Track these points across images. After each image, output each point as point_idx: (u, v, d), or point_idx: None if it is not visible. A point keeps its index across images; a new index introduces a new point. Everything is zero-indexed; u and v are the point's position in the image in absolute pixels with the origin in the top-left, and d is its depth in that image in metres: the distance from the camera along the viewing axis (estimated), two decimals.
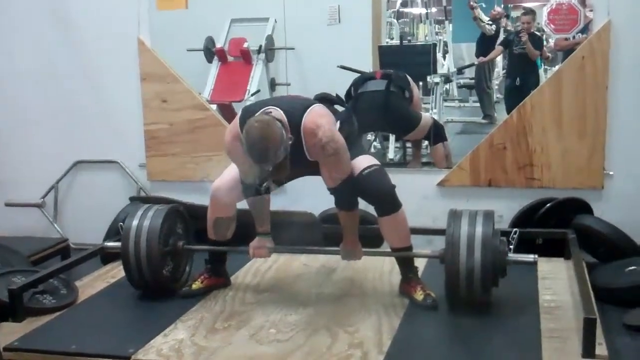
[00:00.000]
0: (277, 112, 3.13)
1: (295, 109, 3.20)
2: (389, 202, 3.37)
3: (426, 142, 5.05)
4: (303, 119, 3.16)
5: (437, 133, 4.84)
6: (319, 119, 3.17)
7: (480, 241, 3.22)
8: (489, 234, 3.24)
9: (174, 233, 3.73)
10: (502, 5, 6.93)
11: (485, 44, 6.23)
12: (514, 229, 3.44)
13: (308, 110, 3.19)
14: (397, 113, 4.77)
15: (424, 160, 5.09)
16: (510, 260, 3.30)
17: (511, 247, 3.34)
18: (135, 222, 3.62)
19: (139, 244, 3.56)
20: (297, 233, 3.96)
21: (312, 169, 3.29)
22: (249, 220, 3.55)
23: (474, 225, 3.26)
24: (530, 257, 3.33)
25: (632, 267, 3.80)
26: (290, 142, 3.05)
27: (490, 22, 6.11)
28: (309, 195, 4.22)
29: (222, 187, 3.50)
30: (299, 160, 3.18)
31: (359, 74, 4.88)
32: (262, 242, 3.55)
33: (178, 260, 3.75)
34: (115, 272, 4.05)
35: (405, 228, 3.47)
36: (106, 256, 4.19)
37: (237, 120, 3.25)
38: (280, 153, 2.98)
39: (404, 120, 4.84)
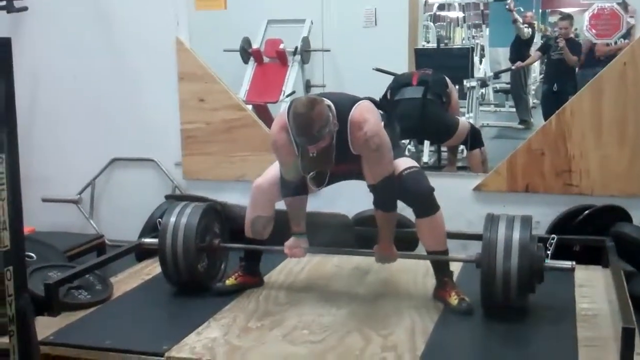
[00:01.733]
0: (326, 100, 3.16)
1: (344, 101, 3.23)
2: (427, 204, 3.36)
3: (462, 147, 5.02)
4: (351, 112, 3.18)
5: (474, 138, 4.81)
6: (366, 113, 3.20)
7: (517, 246, 3.17)
8: (526, 239, 3.19)
9: (211, 231, 3.74)
10: (540, 10, 6.90)
11: (520, 48, 6.19)
12: (552, 235, 3.40)
13: (357, 104, 3.21)
14: (435, 121, 4.76)
15: (460, 164, 5.06)
16: (547, 266, 3.26)
17: (548, 252, 3.29)
18: (173, 219, 3.64)
19: (176, 240, 3.58)
20: (330, 235, 3.95)
21: (354, 167, 3.29)
22: (286, 221, 3.55)
23: (512, 230, 3.23)
24: (567, 264, 3.29)
25: None
26: (336, 129, 3.09)
27: (527, 26, 6.07)
28: (343, 198, 4.22)
29: (263, 184, 3.52)
30: (343, 154, 3.19)
31: (394, 77, 4.86)
32: (297, 242, 3.55)
33: (213, 257, 3.76)
34: (150, 269, 4.07)
35: (442, 231, 3.45)
36: (141, 253, 4.21)
37: (284, 111, 3.28)
38: (325, 133, 3.03)
39: (441, 128, 4.83)
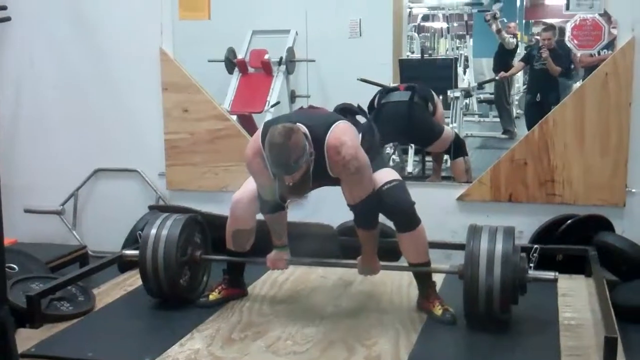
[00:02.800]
0: (302, 127, 3.12)
1: (319, 125, 3.19)
2: (408, 219, 3.35)
3: (446, 156, 5.03)
4: (327, 136, 3.15)
5: (457, 147, 4.83)
6: (342, 136, 3.15)
7: (500, 258, 3.18)
8: (509, 251, 3.20)
9: (192, 243, 3.73)
10: (524, 21, 6.96)
11: (503, 58, 6.24)
12: (535, 246, 3.40)
13: (332, 127, 3.17)
14: (420, 124, 4.77)
15: (444, 174, 5.07)
16: (530, 277, 3.27)
17: (532, 264, 3.30)
18: (153, 231, 3.62)
19: (157, 252, 3.55)
20: (314, 245, 3.95)
21: (333, 182, 3.28)
22: (268, 231, 3.54)
23: (494, 242, 3.23)
24: (550, 275, 3.30)
25: None
26: (312, 157, 3.07)
27: (511, 36, 6.12)
28: (327, 207, 4.21)
29: (242, 199, 3.50)
30: (322, 177, 3.19)
31: (380, 87, 4.89)
32: (279, 254, 3.55)
33: (195, 269, 3.74)
34: (133, 280, 4.05)
35: (424, 244, 3.44)
36: (124, 264, 4.19)
37: (258, 135, 3.24)
38: (302, 162, 2.99)
39: (426, 131, 4.83)
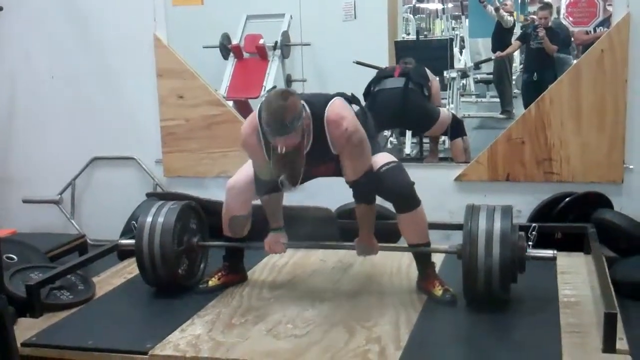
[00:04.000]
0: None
1: (317, 101, 3.19)
2: (407, 199, 3.34)
3: (444, 137, 5.03)
4: (326, 112, 3.15)
5: (456, 127, 4.83)
6: (342, 110, 3.17)
7: (498, 237, 3.17)
8: (507, 230, 3.19)
9: (188, 230, 3.71)
10: (520, 0, 6.91)
11: (501, 37, 6.20)
12: (533, 225, 3.40)
13: (330, 103, 3.18)
14: (416, 110, 4.77)
15: (442, 155, 5.07)
16: (529, 256, 3.27)
17: (530, 243, 3.30)
18: (149, 220, 3.59)
19: (153, 242, 3.53)
20: (313, 228, 3.94)
21: (331, 166, 3.28)
22: (264, 217, 3.54)
23: (492, 221, 3.22)
24: (549, 253, 3.29)
25: None
26: (309, 129, 3.08)
27: (509, 14, 6.08)
28: (325, 191, 4.21)
29: (237, 185, 3.49)
30: (322, 155, 3.18)
31: (376, 70, 4.87)
32: (276, 237, 3.54)
33: (193, 257, 3.74)
34: (132, 268, 4.04)
35: (423, 225, 3.44)
36: (123, 252, 4.19)
37: (255, 113, 3.22)
38: (297, 126, 2.95)
39: (422, 117, 4.84)
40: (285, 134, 2.93)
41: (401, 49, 5.45)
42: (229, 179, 3.55)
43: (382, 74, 4.86)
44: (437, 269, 3.56)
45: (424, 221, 3.44)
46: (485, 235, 3.19)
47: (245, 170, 3.48)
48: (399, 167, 3.36)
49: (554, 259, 3.31)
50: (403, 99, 4.71)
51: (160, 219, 3.58)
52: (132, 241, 3.68)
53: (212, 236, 3.86)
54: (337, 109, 3.17)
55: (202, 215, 3.83)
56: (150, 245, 3.54)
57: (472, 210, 3.30)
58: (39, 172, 5.18)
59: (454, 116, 4.95)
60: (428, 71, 4.96)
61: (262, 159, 3.19)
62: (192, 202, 3.82)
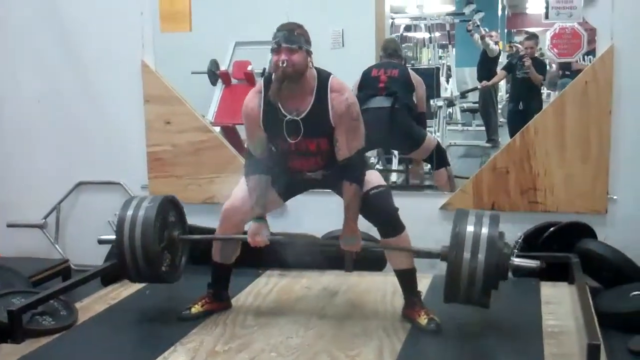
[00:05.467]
0: None
1: (323, 71, 3.31)
2: (392, 225, 3.36)
3: (429, 166, 5.04)
4: (330, 78, 3.26)
5: (440, 157, 4.83)
6: (344, 83, 3.32)
7: (485, 242, 3.15)
8: (494, 236, 3.17)
9: (169, 224, 3.65)
10: (505, 30, 7.00)
11: (486, 66, 6.27)
12: (519, 234, 3.38)
13: (333, 75, 3.30)
14: (402, 131, 4.75)
15: (427, 183, 5.08)
16: (514, 264, 3.25)
17: (515, 251, 3.28)
18: (129, 213, 3.55)
19: (134, 237, 3.48)
20: (298, 256, 3.94)
21: (323, 148, 3.31)
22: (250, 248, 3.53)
23: (480, 226, 3.20)
24: (533, 263, 3.28)
25: (636, 292, 3.78)
26: (314, 81, 3.23)
27: (494, 43, 6.16)
28: (310, 218, 4.22)
29: (232, 207, 3.48)
30: (317, 122, 3.23)
31: (362, 79, 4.85)
32: (259, 227, 3.44)
33: (174, 251, 3.68)
34: (116, 293, 4.02)
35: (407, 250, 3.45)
36: (107, 277, 4.16)
37: (261, 80, 3.37)
38: (302, 42, 3.15)
39: (408, 138, 4.81)
40: (290, 44, 3.11)
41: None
42: (225, 203, 3.52)
43: (368, 84, 4.82)
44: (423, 296, 3.55)
45: (408, 247, 3.44)
46: (473, 239, 3.17)
47: (239, 193, 3.49)
48: (387, 192, 3.40)
49: (538, 268, 3.28)
50: (390, 120, 4.69)
51: (142, 212, 3.52)
52: (112, 237, 3.62)
53: (196, 263, 3.85)
54: (340, 80, 3.30)
55: (181, 208, 3.77)
56: (131, 240, 3.49)
57: (461, 214, 3.29)
58: (23, 196, 5.15)
59: (438, 144, 4.95)
60: (414, 74, 4.93)
61: (257, 126, 3.29)
62: (171, 196, 3.75)
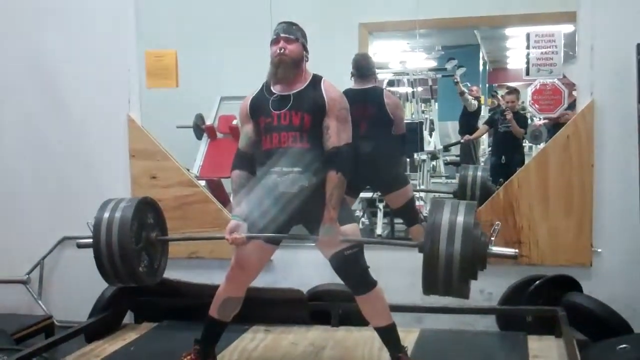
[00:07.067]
0: None
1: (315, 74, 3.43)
2: (361, 283, 3.35)
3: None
4: (323, 79, 3.38)
5: (413, 214, 4.76)
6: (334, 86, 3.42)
7: (461, 230, 3.07)
8: (470, 224, 3.08)
9: (146, 226, 3.59)
10: (487, 85, 7.11)
11: (468, 120, 6.35)
12: (497, 222, 3.33)
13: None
14: (384, 173, 4.67)
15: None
16: (491, 252, 3.16)
17: (492, 238, 3.21)
18: (106, 215, 3.52)
19: (111, 238, 3.44)
20: (284, 310, 3.91)
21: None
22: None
23: (456, 214, 3.11)
24: (511, 251, 3.21)
25: (624, 346, 3.77)
26: (309, 74, 3.36)
27: (474, 99, 6.25)
28: (297, 272, 4.20)
29: (245, 264, 3.42)
30: (310, 96, 3.31)
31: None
32: (236, 226, 3.37)
33: (153, 253, 3.62)
34: (99, 350, 3.97)
35: (382, 306, 3.41)
36: (91, 334, 4.11)
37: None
38: (300, 37, 3.32)
39: (390, 180, 4.67)
40: (288, 34, 3.29)
41: None
42: (232, 259, 3.46)
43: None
44: (410, 351, 3.52)
45: (382, 302, 3.40)
46: (449, 227, 3.08)
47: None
48: (360, 253, 3.35)
49: (515, 257, 3.22)
50: (372, 163, 4.60)
51: (118, 213, 3.47)
52: (89, 240, 3.55)
53: (180, 318, 3.81)
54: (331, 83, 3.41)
55: (159, 209, 3.71)
56: (108, 240, 3.44)
57: (437, 204, 3.23)
58: (7, 251, 5.10)
59: (412, 200, 4.86)
60: (388, 95, 4.70)
61: (246, 115, 3.40)
62: (148, 197, 3.70)
